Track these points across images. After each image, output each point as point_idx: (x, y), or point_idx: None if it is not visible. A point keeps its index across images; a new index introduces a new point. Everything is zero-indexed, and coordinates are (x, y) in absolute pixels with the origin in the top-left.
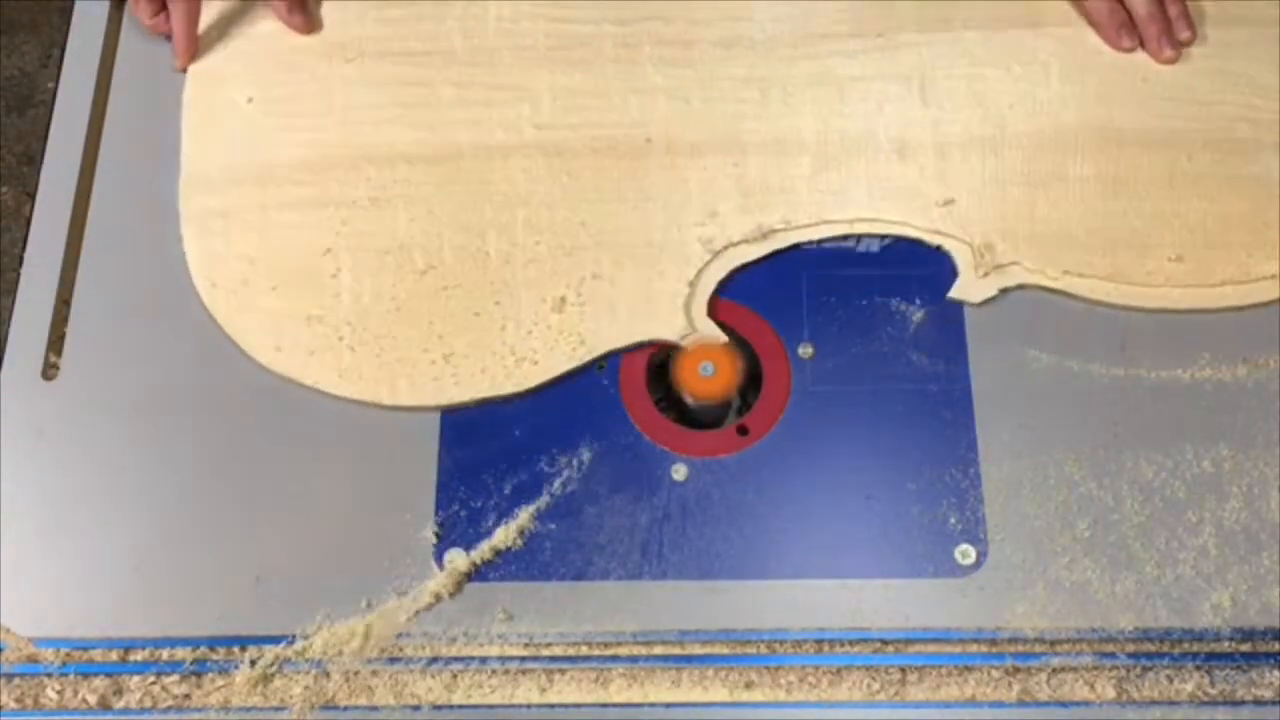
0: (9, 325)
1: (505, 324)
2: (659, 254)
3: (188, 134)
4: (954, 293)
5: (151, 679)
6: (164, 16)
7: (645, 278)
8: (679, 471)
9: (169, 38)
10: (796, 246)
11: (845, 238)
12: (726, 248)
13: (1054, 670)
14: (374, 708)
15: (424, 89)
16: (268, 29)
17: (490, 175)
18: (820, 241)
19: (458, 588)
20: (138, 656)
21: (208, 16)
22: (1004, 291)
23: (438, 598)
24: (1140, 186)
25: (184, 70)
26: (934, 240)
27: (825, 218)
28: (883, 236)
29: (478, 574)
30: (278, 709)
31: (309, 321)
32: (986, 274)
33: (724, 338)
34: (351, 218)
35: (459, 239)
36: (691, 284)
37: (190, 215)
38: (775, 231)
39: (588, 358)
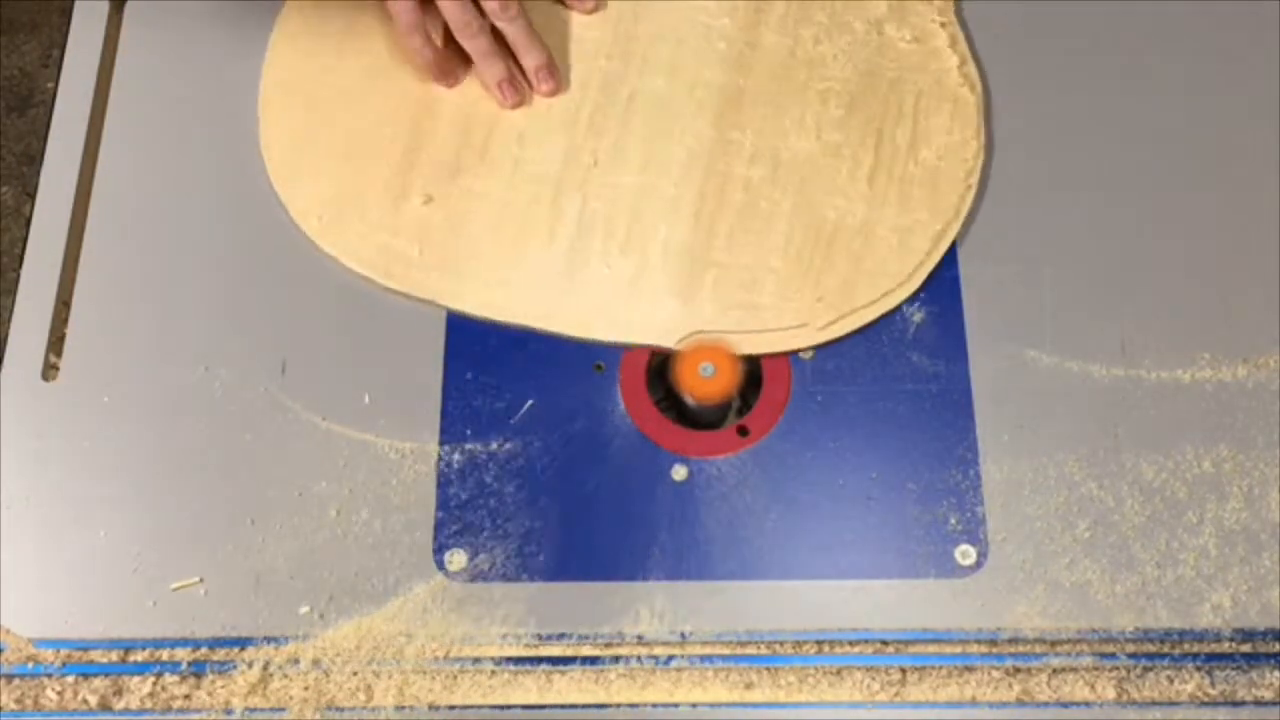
0: (9, 325)
1: (888, 156)
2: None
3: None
4: None
5: (151, 679)
6: None
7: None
8: (679, 471)
9: None
10: None
11: None
12: None
13: (1054, 670)
14: (374, 708)
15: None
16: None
17: (752, 84)
18: None
19: (457, 588)
20: (138, 657)
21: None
22: None
23: (437, 598)
24: None
25: None
26: None
27: None
28: None
29: (477, 574)
30: (278, 710)
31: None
32: None
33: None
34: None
35: (785, 143)
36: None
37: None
38: None
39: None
